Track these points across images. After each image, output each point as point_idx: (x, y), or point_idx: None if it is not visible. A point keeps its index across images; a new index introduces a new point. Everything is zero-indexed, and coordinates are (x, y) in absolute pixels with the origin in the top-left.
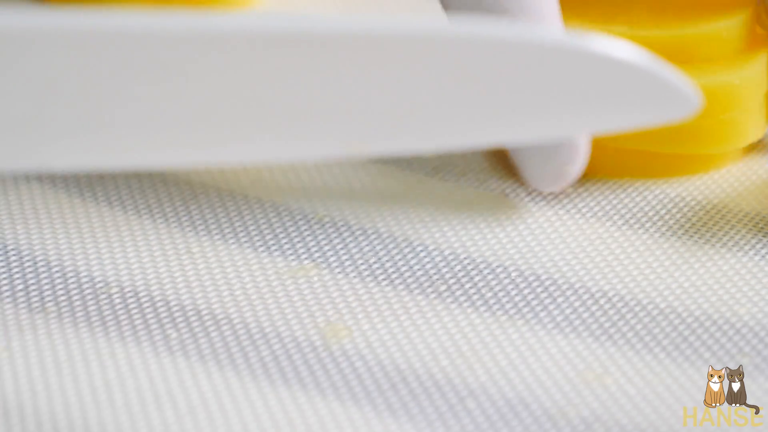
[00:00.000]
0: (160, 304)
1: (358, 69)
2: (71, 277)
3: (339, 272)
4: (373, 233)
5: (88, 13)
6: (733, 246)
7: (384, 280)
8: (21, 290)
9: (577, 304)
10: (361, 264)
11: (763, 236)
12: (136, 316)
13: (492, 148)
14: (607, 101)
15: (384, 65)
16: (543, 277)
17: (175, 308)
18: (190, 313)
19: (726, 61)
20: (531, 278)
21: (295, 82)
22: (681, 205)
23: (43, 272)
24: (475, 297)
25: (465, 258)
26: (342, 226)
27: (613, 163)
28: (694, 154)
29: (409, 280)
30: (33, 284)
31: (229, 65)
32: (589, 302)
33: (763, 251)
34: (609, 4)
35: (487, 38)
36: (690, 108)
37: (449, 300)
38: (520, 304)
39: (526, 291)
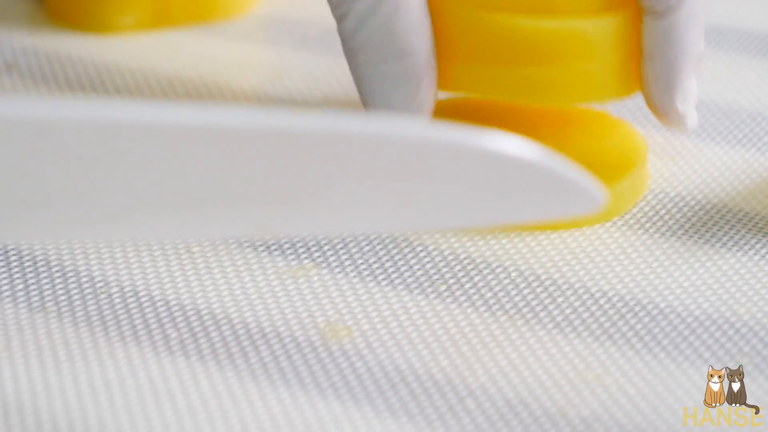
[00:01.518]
0: (159, 304)
1: (270, 161)
2: (71, 276)
3: (339, 272)
4: (372, 233)
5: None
6: (732, 246)
7: (384, 280)
8: (21, 290)
9: (576, 304)
10: (361, 264)
11: (763, 236)
12: (136, 316)
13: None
14: (507, 197)
15: (293, 158)
16: (543, 277)
17: (175, 308)
18: (190, 313)
19: (586, 13)
20: (531, 278)
21: (213, 171)
22: (681, 204)
23: (43, 272)
24: (475, 297)
25: (465, 258)
26: None
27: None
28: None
29: (409, 280)
30: (33, 284)
31: (157, 156)
32: (589, 302)
33: (763, 251)
34: None
35: (389, 136)
36: (594, 205)
37: (449, 300)
38: (520, 304)
39: (525, 291)
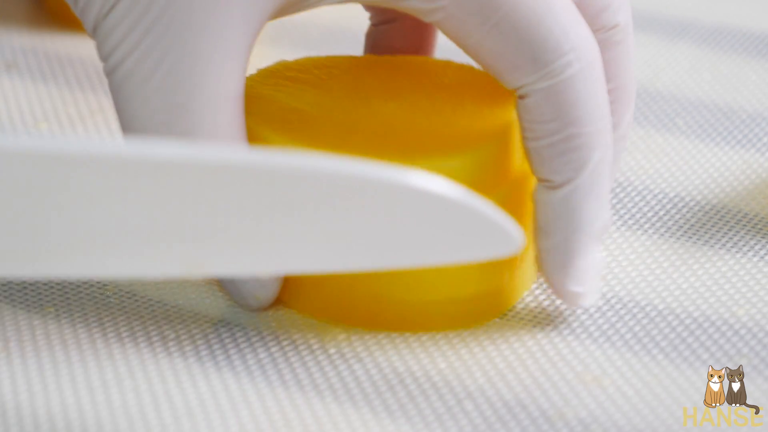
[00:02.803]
0: (157, 304)
1: (198, 196)
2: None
3: None
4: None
5: None
6: (731, 247)
7: None
8: (18, 291)
9: None
10: None
11: (762, 237)
12: (133, 317)
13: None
14: (427, 236)
15: (217, 193)
16: (540, 278)
17: (172, 309)
18: (188, 314)
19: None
20: None
21: (144, 206)
22: (680, 206)
23: None
24: None
25: None
26: None
27: None
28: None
29: None
30: (30, 285)
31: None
32: None
33: (762, 252)
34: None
35: (312, 172)
36: (513, 245)
37: None
38: (518, 306)
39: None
